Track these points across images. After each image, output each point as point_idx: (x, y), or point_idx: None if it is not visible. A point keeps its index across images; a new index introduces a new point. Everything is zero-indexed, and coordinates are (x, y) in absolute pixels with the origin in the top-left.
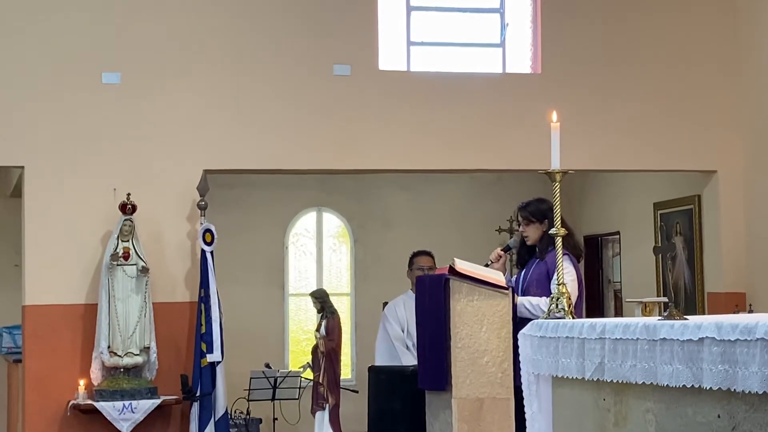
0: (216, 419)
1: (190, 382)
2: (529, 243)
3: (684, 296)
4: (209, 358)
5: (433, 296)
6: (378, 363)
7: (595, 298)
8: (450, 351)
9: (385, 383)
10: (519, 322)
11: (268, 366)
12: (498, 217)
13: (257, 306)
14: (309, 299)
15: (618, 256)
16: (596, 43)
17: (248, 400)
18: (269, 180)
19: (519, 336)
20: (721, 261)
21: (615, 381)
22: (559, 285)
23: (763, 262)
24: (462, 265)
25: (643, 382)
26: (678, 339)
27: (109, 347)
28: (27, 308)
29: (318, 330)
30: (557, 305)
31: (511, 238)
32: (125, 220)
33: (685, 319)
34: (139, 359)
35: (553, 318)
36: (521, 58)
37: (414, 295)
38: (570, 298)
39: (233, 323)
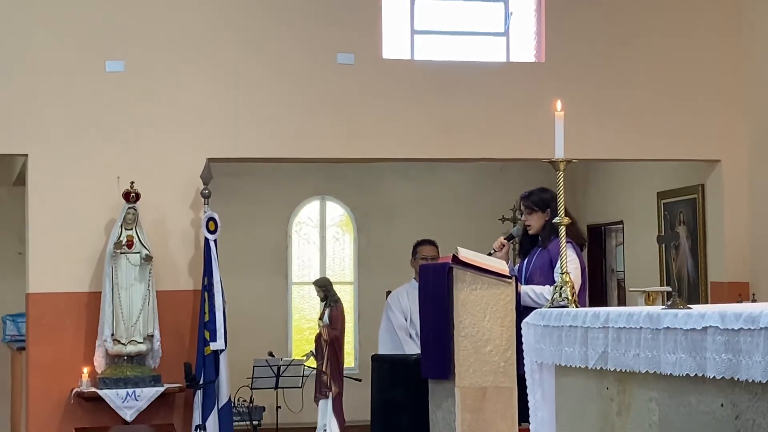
0: (219, 407)
1: (194, 370)
2: (531, 232)
3: (687, 286)
4: (212, 346)
5: (437, 285)
6: (381, 352)
7: (599, 288)
8: (453, 340)
9: (388, 372)
10: (522, 310)
11: (271, 354)
12: (501, 206)
13: (260, 294)
14: (312, 288)
15: (621, 245)
16: (600, 32)
17: (251, 389)
18: (272, 169)
19: (522, 325)
20: (724, 250)
21: (618, 370)
22: (562, 274)
23: (766, 252)
24: (465, 254)
25: (647, 371)
26: (681, 328)
27: (112, 335)
28: (31, 296)
29: (321, 318)
30: (561, 294)
31: (514, 227)
32: (129, 208)
33: (689, 308)
34: (143, 347)
35: (557, 307)
36: (525, 47)
37: (417, 284)
38: (573, 287)
39: (236, 311)
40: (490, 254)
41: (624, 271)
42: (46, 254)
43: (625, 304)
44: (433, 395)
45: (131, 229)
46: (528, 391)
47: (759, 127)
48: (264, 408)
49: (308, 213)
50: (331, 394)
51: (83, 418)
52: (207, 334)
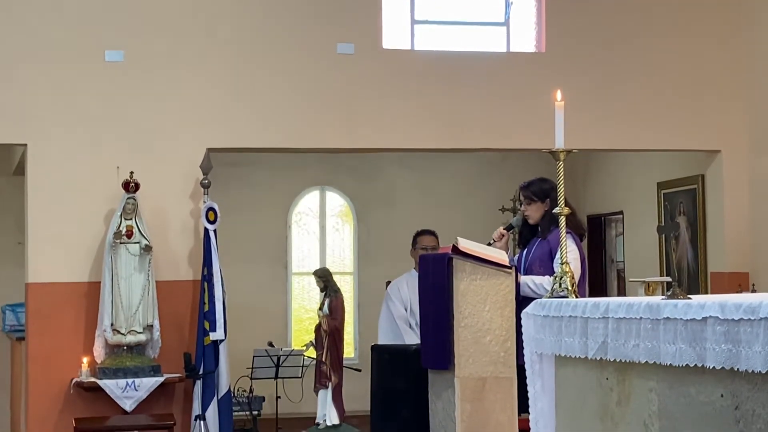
0: (219, 397)
1: (193, 360)
2: (531, 222)
3: (687, 276)
4: (212, 336)
5: (437, 275)
6: (381, 342)
7: (599, 278)
8: (453, 330)
9: (388, 362)
10: (522, 301)
11: (271, 344)
12: (502, 196)
13: (260, 285)
14: (312, 278)
15: (621, 235)
16: (600, 22)
17: (251, 379)
18: (272, 158)
19: (522, 315)
20: (724, 241)
21: (618, 360)
22: (562, 264)
23: (766, 242)
24: (465, 244)
25: (647, 362)
26: (681, 318)
27: (112, 325)
28: (30, 286)
29: (321, 309)
30: (560, 284)
31: (514, 217)
32: (128, 198)
33: (689, 298)
34: (142, 337)
35: (557, 297)
36: (525, 37)
37: (417, 274)
38: (573, 278)
39: (236, 302)
40: (489, 244)
41: (624, 262)
42: (45, 244)
43: (624, 295)
44: (433, 385)
45: (131, 219)
46: (528, 381)
47: (759, 117)
48: (264, 398)
49: (308, 203)
50: (330, 384)
51: (83, 408)
52: (207, 325)
